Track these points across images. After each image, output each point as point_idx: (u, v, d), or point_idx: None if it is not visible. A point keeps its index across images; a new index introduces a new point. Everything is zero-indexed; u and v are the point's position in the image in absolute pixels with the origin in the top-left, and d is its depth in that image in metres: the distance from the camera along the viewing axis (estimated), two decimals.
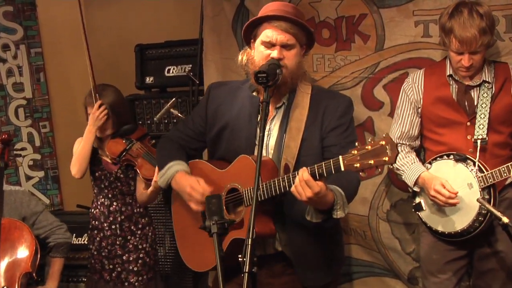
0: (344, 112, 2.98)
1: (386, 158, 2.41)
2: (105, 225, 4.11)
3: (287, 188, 2.71)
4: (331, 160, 2.56)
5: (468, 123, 3.42)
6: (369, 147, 2.45)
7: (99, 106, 4.00)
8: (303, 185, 2.61)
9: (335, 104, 2.98)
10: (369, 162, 2.44)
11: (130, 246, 4.12)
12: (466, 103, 3.43)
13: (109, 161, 4.11)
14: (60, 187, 5.45)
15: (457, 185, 3.36)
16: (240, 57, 3.09)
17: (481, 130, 3.37)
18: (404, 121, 3.59)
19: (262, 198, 2.79)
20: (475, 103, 3.41)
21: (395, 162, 2.42)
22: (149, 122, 4.88)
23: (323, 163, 2.58)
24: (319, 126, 2.95)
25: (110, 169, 4.11)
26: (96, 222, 4.15)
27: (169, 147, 3.26)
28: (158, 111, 4.58)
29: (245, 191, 2.91)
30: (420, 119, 3.58)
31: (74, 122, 4.95)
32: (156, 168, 3.62)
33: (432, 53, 3.83)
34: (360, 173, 2.51)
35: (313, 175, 2.61)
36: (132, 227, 4.13)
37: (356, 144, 2.50)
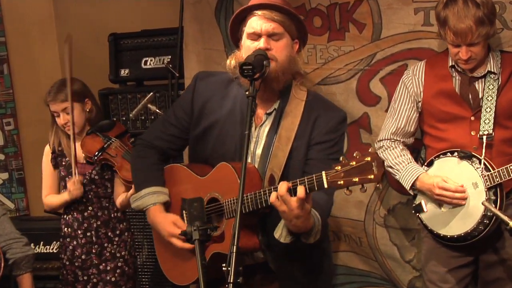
0: (334, 128, 2.96)
1: (372, 176, 2.40)
2: (79, 232, 4.07)
3: (269, 203, 2.69)
4: (313, 175, 2.56)
5: (472, 118, 3.42)
6: (354, 162, 2.43)
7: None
8: (280, 199, 2.61)
9: (327, 117, 2.96)
10: (354, 179, 2.43)
11: (107, 254, 4.08)
12: (470, 96, 3.44)
13: (81, 161, 4.07)
14: (26, 190, 5.40)
15: (461, 183, 3.36)
16: (228, 61, 3.05)
17: (486, 125, 3.37)
18: (401, 116, 3.59)
19: (245, 211, 2.78)
20: (480, 96, 3.42)
21: (381, 182, 2.43)
22: (124, 119, 4.84)
23: (305, 178, 2.58)
24: (307, 137, 2.93)
25: (83, 171, 4.07)
26: (69, 229, 4.10)
27: (146, 161, 3.20)
28: (134, 107, 4.56)
29: (226, 202, 2.90)
30: (417, 115, 3.58)
31: (41, 119, 4.90)
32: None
33: (433, 43, 3.83)
34: (345, 191, 2.50)
35: (294, 190, 2.60)
36: (109, 234, 4.09)
37: (341, 159, 2.49)
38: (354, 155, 2.46)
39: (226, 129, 3.01)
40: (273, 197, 2.62)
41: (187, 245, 2.90)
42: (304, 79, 3.06)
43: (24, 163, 5.40)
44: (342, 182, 2.46)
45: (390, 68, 3.98)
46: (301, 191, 2.56)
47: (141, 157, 3.23)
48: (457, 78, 3.47)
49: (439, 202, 3.43)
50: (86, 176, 4.04)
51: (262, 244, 2.92)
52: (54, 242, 4.59)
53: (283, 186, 2.60)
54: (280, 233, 2.77)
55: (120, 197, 4.03)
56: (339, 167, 2.47)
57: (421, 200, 3.52)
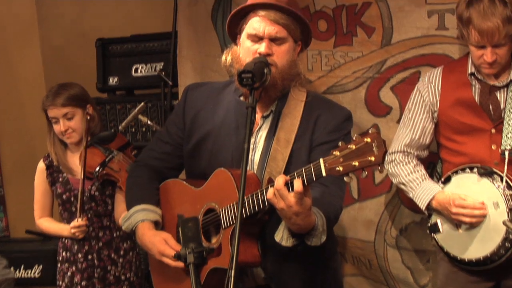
0: (337, 127, 2.94)
1: (372, 158, 2.37)
2: (79, 255, 4.01)
3: (266, 203, 2.68)
4: (311, 164, 2.53)
5: (493, 130, 3.40)
6: (353, 146, 2.41)
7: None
8: (276, 194, 2.58)
9: (329, 116, 2.95)
10: (353, 163, 2.40)
11: (111, 278, 4.03)
12: (490, 107, 3.41)
13: (79, 176, 4.00)
14: (5, 209, 5.37)
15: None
16: (224, 57, 3.03)
17: (509, 139, 3.35)
18: (416, 126, 3.58)
19: (243, 216, 2.71)
20: (502, 107, 3.40)
21: (382, 162, 2.38)
22: (113, 131, 4.81)
23: (303, 168, 2.55)
24: (308, 139, 2.92)
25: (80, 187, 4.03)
26: (68, 254, 4.04)
27: (139, 180, 3.20)
28: (124, 118, 4.55)
29: (222, 211, 2.87)
30: (433, 126, 3.57)
31: (22, 132, 4.91)
32: None
33: (449, 49, 3.82)
34: (345, 178, 2.46)
35: (292, 184, 2.58)
36: (113, 255, 4.05)
37: (339, 144, 2.47)
38: (354, 138, 2.44)
39: (220, 139, 2.99)
40: (270, 193, 2.60)
41: (181, 264, 2.88)
42: (303, 80, 3.04)
43: (4, 180, 5.38)
44: (341, 168, 2.43)
45: (401, 75, 3.97)
46: (298, 184, 2.52)
47: (133, 177, 3.24)
48: (476, 86, 3.45)
49: (456, 222, 3.41)
50: (86, 193, 4.00)
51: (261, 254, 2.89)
52: (36, 265, 4.56)
53: (280, 180, 2.57)
54: (281, 235, 2.74)
55: (121, 217, 3.99)
56: (338, 152, 2.44)
57: (436, 219, 3.49)
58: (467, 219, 3.33)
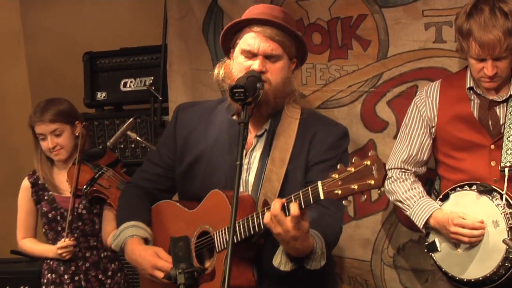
0: (333, 145, 2.94)
1: (372, 181, 2.37)
2: (66, 277, 3.98)
3: (262, 226, 2.67)
4: (309, 187, 2.53)
5: (492, 146, 3.39)
6: (352, 168, 2.41)
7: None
8: (273, 219, 2.57)
9: (324, 134, 2.95)
10: (352, 187, 2.41)
11: None
12: (489, 122, 3.41)
13: (67, 194, 4.00)
14: None
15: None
16: (216, 71, 3.04)
17: (509, 156, 3.35)
18: (413, 142, 3.57)
19: (237, 240, 2.73)
20: (501, 122, 3.40)
21: (382, 186, 2.39)
22: (101, 147, 4.79)
23: (300, 192, 2.55)
24: (304, 158, 2.92)
25: (68, 205, 3.96)
26: (53, 275, 4.01)
27: (130, 200, 3.19)
28: (112, 134, 4.53)
29: (216, 233, 2.86)
30: (431, 142, 3.57)
31: (7, 149, 4.89)
32: None
33: (447, 62, 3.82)
34: (343, 202, 2.47)
35: (288, 207, 2.57)
36: (100, 276, 4.03)
37: (338, 166, 2.47)
38: (353, 160, 2.44)
39: (213, 160, 2.99)
40: (267, 217, 2.59)
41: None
42: (297, 97, 3.04)
43: None
44: (339, 191, 2.43)
45: (398, 90, 3.97)
46: (294, 208, 2.52)
47: (124, 197, 3.24)
48: (475, 101, 3.45)
49: (455, 241, 3.40)
50: (74, 212, 3.96)
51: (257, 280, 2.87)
52: (22, 287, 4.52)
53: (276, 204, 2.56)
54: (279, 260, 2.72)
55: (110, 236, 3.96)
56: (336, 175, 2.45)
57: (434, 238, 3.49)
58: (466, 239, 3.33)
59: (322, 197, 2.49)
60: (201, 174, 3.01)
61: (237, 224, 2.73)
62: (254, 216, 2.69)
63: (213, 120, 3.06)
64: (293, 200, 2.56)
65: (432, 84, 3.58)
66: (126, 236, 3.05)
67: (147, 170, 3.20)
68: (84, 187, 3.93)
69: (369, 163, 2.38)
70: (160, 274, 2.88)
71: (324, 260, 2.72)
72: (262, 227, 2.66)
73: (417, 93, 3.62)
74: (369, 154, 2.42)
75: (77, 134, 4.01)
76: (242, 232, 2.73)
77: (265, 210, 2.64)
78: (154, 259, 2.92)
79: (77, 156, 3.93)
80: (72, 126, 4.02)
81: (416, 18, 3.86)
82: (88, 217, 4.01)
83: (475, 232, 3.30)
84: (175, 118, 3.16)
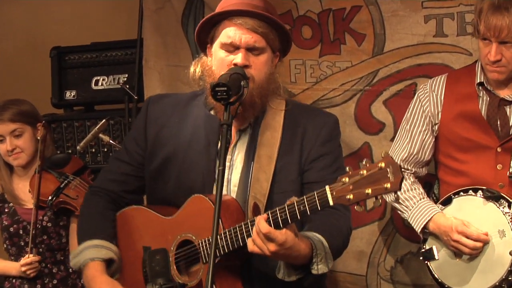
0: (329, 136, 2.95)
1: (388, 185, 2.36)
2: None
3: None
4: (315, 192, 2.51)
5: (499, 149, 3.40)
6: (364, 171, 2.41)
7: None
8: (262, 238, 2.56)
9: (317, 126, 2.95)
10: (365, 191, 2.39)
11: None
12: (498, 122, 3.42)
13: (29, 205, 3.99)
14: None
15: (485, 230, 3.33)
16: (192, 69, 3.02)
17: None
18: (414, 140, 3.58)
19: (225, 251, 2.72)
20: (511, 124, 3.41)
21: (399, 189, 2.38)
22: (70, 151, 4.78)
23: (305, 197, 2.54)
24: (297, 154, 2.91)
25: (30, 218, 3.94)
26: None
27: (92, 212, 3.15)
28: (83, 137, 4.51)
29: (201, 243, 2.83)
30: (433, 140, 3.58)
31: None
32: None
33: (448, 58, 3.84)
34: (356, 207, 2.46)
35: (285, 219, 2.55)
36: None
37: (347, 169, 2.46)
38: (364, 162, 2.43)
39: (189, 159, 2.97)
40: (250, 244, 2.58)
41: None
42: (280, 89, 3.02)
43: None
44: (351, 196, 2.42)
45: (395, 88, 3.99)
46: (263, 226, 2.52)
47: (85, 207, 3.19)
48: (484, 98, 3.45)
49: (454, 250, 3.40)
50: (38, 225, 3.94)
51: None
52: None
53: (262, 223, 2.54)
54: (282, 272, 2.71)
55: (72, 252, 3.96)
56: (346, 179, 2.44)
57: (432, 245, 3.49)
58: (467, 250, 3.33)
59: (331, 202, 2.48)
60: (174, 175, 2.99)
61: (224, 234, 2.72)
62: (249, 224, 2.67)
63: (188, 114, 3.04)
64: (296, 207, 2.55)
65: (438, 77, 3.58)
66: (86, 258, 3.01)
67: (113, 170, 3.16)
68: (49, 198, 3.92)
69: (383, 165, 2.38)
70: None
71: (331, 261, 2.71)
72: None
73: (421, 86, 3.63)
74: (382, 155, 2.40)
75: (38, 137, 4.00)
76: (231, 242, 2.72)
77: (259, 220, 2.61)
78: None
79: (39, 162, 3.90)
80: (33, 128, 4.02)
81: (415, 10, 3.88)
82: (53, 230, 4.00)
83: (478, 244, 3.31)
84: (146, 111, 3.12)
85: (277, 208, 2.57)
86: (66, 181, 3.99)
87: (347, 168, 2.46)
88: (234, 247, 2.72)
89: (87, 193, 3.25)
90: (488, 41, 3.30)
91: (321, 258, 2.68)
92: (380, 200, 2.41)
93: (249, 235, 2.67)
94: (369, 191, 2.39)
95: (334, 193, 2.47)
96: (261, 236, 2.55)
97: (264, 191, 2.85)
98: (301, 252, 2.63)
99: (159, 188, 3.06)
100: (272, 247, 2.55)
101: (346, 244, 2.92)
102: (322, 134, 2.93)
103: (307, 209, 2.53)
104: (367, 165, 2.42)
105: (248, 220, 2.70)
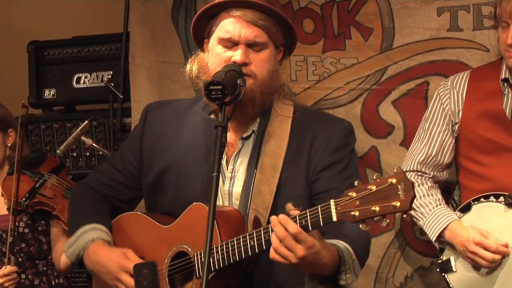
0: (339, 144, 2.94)
1: (397, 203, 2.36)
2: None
3: (257, 250, 2.64)
4: (318, 206, 2.51)
5: None
6: (373, 187, 2.41)
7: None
8: (289, 242, 2.52)
9: (327, 133, 2.95)
10: (373, 208, 2.39)
11: None
12: None
13: (3, 211, 4.00)
14: None
15: (506, 241, 3.33)
16: (188, 67, 3.03)
17: None
18: (433, 140, 3.59)
19: (220, 266, 2.71)
20: None
21: (410, 210, 2.37)
22: (39, 152, 4.74)
23: (307, 211, 2.54)
24: (304, 165, 2.91)
25: (5, 225, 3.95)
26: None
27: (85, 201, 3.17)
28: (63, 140, 4.51)
29: (196, 255, 2.83)
30: (453, 141, 3.59)
31: None
32: None
33: (463, 54, 3.85)
34: (360, 226, 2.44)
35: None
36: None
37: (356, 183, 2.46)
38: (374, 177, 2.42)
39: (187, 168, 2.98)
40: (272, 254, 2.56)
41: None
42: (287, 92, 3.03)
43: None
44: (357, 212, 2.42)
45: (405, 87, 3.99)
46: (292, 225, 2.51)
47: (78, 197, 3.22)
48: (509, 96, 3.47)
49: (471, 262, 3.41)
50: (14, 232, 3.92)
51: None
52: None
53: (291, 223, 2.52)
54: (307, 287, 2.72)
55: (63, 256, 3.94)
56: (354, 193, 2.44)
57: (450, 256, 3.50)
58: (484, 263, 3.34)
59: (335, 218, 2.47)
60: (172, 186, 3.01)
61: (224, 246, 2.71)
62: (247, 237, 2.66)
63: (187, 121, 3.05)
64: (297, 221, 2.53)
65: (460, 73, 3.60)
66: (86, 241, 3.02)
67: (107, 174, 3.19)
68: (23, 199, 3.92)
69: (394, 181, 2.37)
70: (129, 280, 2.88)
71: (359, 269, 2.72)
72: (257, 250, 2.63)
73: (442, 83, 3.64)
74: (394, 170, 2.40)
75: (8, 144, 4.02)
76: (231, 256, 2.71)
77: (262, 233, 2.62)
78: (122, 260, 2.92)
79: (17, 170, 3.90)
80: (4, 135, 4.04)
81: (427, 2, 3.90)
82: (32, 237, 4.00)
83: (497, 257, 3.32)
84: (144, 119, 3.15)
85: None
86: (41, 181, 4.00)
87: (356, 182, 2.46)
88: (230, 261, 2.71)
89: (76, 186, 3.29)
90: (506, 24, 3.32)
91: (349, 266, 2.69)
92: (387, 220, 2.39)
93: (246, 249, 2.67)
94: (376, 208, 2.39)
95: (339, 208, 2.46)
96: (289, 239, 2.52)
97: (267, 205, 2.85)
98: (327, 260, 2.63)
99: (158, 202, 3.10)
100: (301, 250, 2.52)
101: (367, 251, 2.91)
102: (332, 143, 2.93)
103: (309, 224, 2.52)
104: (377, 180, 2.41)
105: (248, 234, 2.68)
